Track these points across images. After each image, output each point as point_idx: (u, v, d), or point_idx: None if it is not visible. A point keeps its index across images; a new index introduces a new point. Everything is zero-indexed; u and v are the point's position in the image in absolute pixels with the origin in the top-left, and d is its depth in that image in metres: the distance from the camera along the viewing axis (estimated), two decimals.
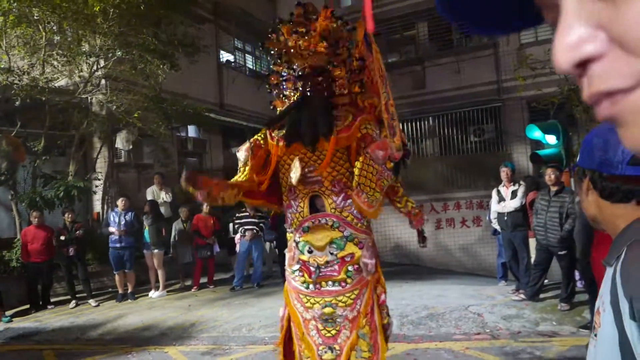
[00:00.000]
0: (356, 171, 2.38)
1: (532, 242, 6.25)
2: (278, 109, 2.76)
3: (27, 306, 7.41)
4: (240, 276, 8.12)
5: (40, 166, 8.68)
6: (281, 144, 2.53)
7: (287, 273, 2.61)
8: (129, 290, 7.86)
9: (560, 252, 5.42)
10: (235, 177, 2.59)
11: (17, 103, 7.70)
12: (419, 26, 12.84)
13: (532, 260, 6.13)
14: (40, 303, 7.49)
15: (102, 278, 8.78)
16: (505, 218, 6.28)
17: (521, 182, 6.51)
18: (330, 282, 2.45)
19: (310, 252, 2.47)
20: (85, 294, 7.72)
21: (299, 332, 2.53)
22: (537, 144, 8.90)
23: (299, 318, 2.53)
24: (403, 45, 13.42)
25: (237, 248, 8.28)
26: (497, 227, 6.63)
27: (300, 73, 2.58)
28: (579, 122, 9.28)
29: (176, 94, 9.81)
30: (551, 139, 7.28)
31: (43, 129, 8.47)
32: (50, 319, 6.87)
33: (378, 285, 2.59)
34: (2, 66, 7.43)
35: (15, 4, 7.18)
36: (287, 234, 2.68)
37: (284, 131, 2.53)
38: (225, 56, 13.45)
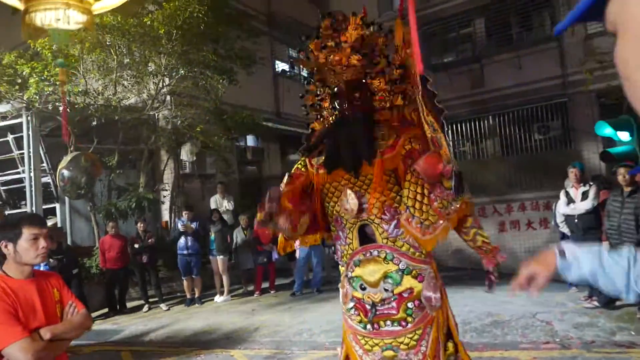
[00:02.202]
0: (404, 192, 2.14)
1: (605, 246, 5.87)
2: (316, 131, 2.51)
3: (106, 310, 7.99)
4: (300, 282, 8.28)
5: (115, 179, 9.37)
6: (321, 171, 2.30)
7: (343, 311, 2.36)
8: (196, 295, 8.25)
9: None
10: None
11: (94, 123, 8.36)
12: (476, 23, 12.46)
13: None
14: (117, 307, 8.05)
15: (172, 283, 9.28)
16: (576, 221, 5.96)
17: (591, 183, 6.14)
18: (388, 322, 2.17)
19: (363, 288, 2.20)
20: (157, 299, 8.20)
21: None
22: (609, 141, 8.33)
23: None
24: (460, 44, 13.08)
25: (297, 254, 8.44)
26: (565, 231, 6.29)
27: (335, 90, 2.34)
28: None
29: (235, 106, 10.20)
30: (624, 136, 6.80)
31: (116, 144, 9.14)
32: (126, 321, 7.37)
33: (444, 324, 2.25)
34: (80, 89, 8.10)
35: (90, 33, 7.82)
36: (340, 267, 2.41)
37: (323, 157, 2.30)
38: (280, 66, 13.81)
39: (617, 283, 1.19)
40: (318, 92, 2.46)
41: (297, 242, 8.79)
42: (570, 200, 6.05)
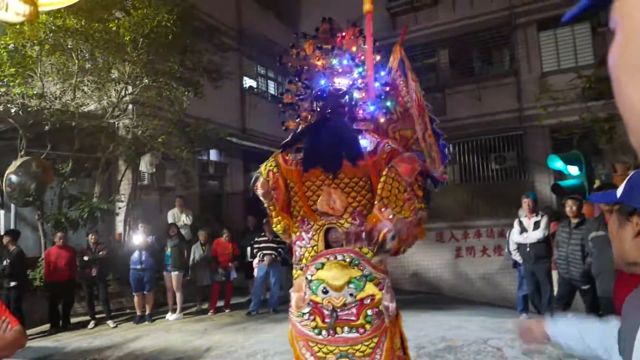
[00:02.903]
0: (379, 185, 2.12)
1: (555, 274, 6.09)
2: (290, 130, 2.52)
3: (48, 326, 7.53)
4: (257, 301, 8.11)
5: (67, 187, 8.96)
6: (299, 168, 2.28)
7: (292, 316, 2.31)
8: (147, 312, 7.92)
9: (583, 287, 5.27)
10: (274, 222, 2.39)
11: (48, 127, 8.01)
12: (440, 54, 12.97)
13: (555, 293, 5.96)
14: (61, 323, 7.60)
15: (121, 299, 8.88)
16: (528, 249, 6.17)
17: (543, 213, 6.40)
18: (346, 328, 2.14)
19: (325, 292, 2.16)
20: (104, 315, 7.81)
21: None
22: (560, 174, 8.77)
23: None
24: (424, 73, 13.52)
25: (255, 272, 8.30)
26: (517, 259, 6.50)
27: (320, 93, 2.35)
28: (604, 153, 9.13)
29: (200, 119, 10.06)
30: (573, 170, 7.17)
31: (71, 151, 8.77)
32: (70, 339, 6.96)
33: (397, 334, 2.28)
34: (35, 92, 7.76)
35: (51, 34, 7.55)
36: (294, 271, 2.37)
37: (301, 154, 2.28)
38: (248, 82, 13.78)
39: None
40: (299, 92, 2.45)
41: (256, 261, 8.57)
42: (523, 229, 6.27)
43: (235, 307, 8.60)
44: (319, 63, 2.33)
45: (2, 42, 7.27)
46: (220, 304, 8.49)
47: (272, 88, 14.58)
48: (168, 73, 8.68)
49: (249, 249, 8.67)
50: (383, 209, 2.09)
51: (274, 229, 2.41)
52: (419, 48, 12.92)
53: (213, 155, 12.43)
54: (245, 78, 13.54)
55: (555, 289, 6.01)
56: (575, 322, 1.28)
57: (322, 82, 2.34)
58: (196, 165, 11.41)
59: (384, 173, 2.15)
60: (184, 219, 9.51)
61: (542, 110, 9.09)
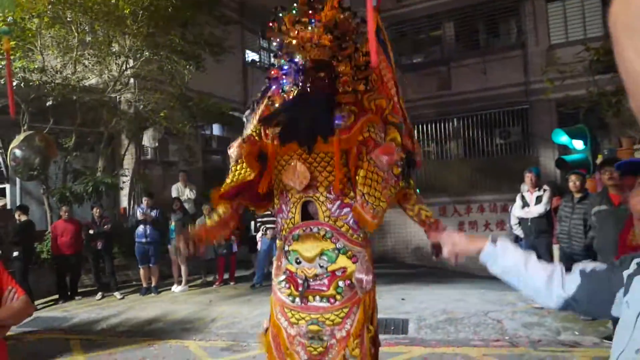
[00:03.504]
0: (360, 180, 2.16)
1: (556, 249, 6.13)
2: (276, 104, 2.51)
3: (56, 296, 7.69)
4: (261, 274, 8.23)
5: (71, 162, 9.00)
6: (275, 142, 2.30)
7: (273, 283, 2.39)
8: (153, 284, 8.06)
9: (584, 261, 5.30)
10: (228, 180, 2.39)
11: (50, 102, 7.97)
12: (446, 26, 12.70)
13: None
14: (69, 294, 7.76)
15: (127, 271, 9.03)
16: (529, 224, 6.17)
17: (546, 188, 6.38)
18: (317, 297, 2.22)
19: (298, 262, 2.24)
20: (111, 287, 7.96)
21: (283, 347, 2.31)
22: (565, 149, 8.70)
23: (283, 333, 2.31)
24: (429, 46, 13.30)
25: (259, 246, 8.39)
26: (519, 233, 6.52)
27: (301, 67, 2.35)
28: (610, 127, 9.03)
29: (202, 93, 9.99)
30: (578, 144, 7.11)
31: (74, 126, 8.77)
32: (78, 309, 7.11)
33: (372, 305, 2.33)
34: (36, 66, 7.71)
35: (49, 6, 7.44)
36: (278, 241, 2.45)
37: (279, 129, 2.30)
38: (250, 55, 13.61)
39: (536, 285, 1.23)
40: (284, 67, 2.46)
41: (259, 234, 8.61)
42: (525, 204, 6.27)
43: (239, 280, 8.74)
44: (299, 37, 2.31)
45: (0, 15, 7.17)
46: (225, 276, 8.62)
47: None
48: (169, 46, 8.58)
49: (252, 222, 8.73)
50: (365, 205, 2.14)
51: (227, 181, 2.40)
52: (423, 20, 12.67)
53: (216, 129, 12.40)
54: (247, 51, 13.37)
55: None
56: (519, 253, 1.30)
57: (301, 56, 2.34)
58: (199, 140, 11.40)
59: (364, 167, 2.17)
60: (188, 194, 9.56)
61: (548, 84, 8.92)
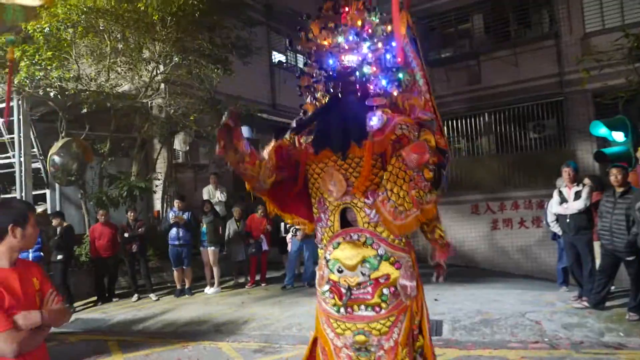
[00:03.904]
0: (385, 175, 2.09)
1: (596, 246, 5.88)
2: (309, 112, 2.50)
3: (95, 298, 7.93)
4: (292, 275, 8.25)
5: (106, 167, 9.26)
6: (310, 150, 2.27)
7: (317, 293, 2.34)
8: (187, 286, 8.20)
9: (628, 258, 5.06)
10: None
11: (85, 109, 8.23)
12: (474, 19, 12.41)
13: (597, 265, 5.76)
14: (106, 295, 7.99)
15: (162, 273, 9.22)
16: (568, 220, 5.93)
17: (585, 182, 6.12)
18: (362, 307, 2.15)
19: (340, 271, 2.18)
20: (146, 288, 8.15)
21: (330, 358, 2.26)
22: (604, 141, 8.34)
23: (330, 345, 2.25)
24: (457, 40, 13.02)
25: (289, 247, 8.41)
26: (556, 230, 6.29)
27: (331, 73, 2.32)
28: None
29: (230, 96, 10.10)
30: (618, 136, 6.80)
31: (109, 132, 9.03)
32: (115, 311, 7.31)
33: (418, 313, 2.26)
34: (72, 75, 7.97)
35: (83, 16, 7.68)
36: (318, 250, 2.39)
37: (312, 137, 2.28)
38: (277, 57, 13.68)
39: None
40: (314, 74, 2.43)
41: (289, 235, 8.68)
42: (563, 200, 6.03)
43: (270, 281, 8.78)
44: (326, 43, 2.28)
45: (38, 25, 7.45)
46: (256, 278, 8.69)
47: (301, 62, 14.43)
48: (197, 51, 8.72)
49: (282, 224, 8.77)
50: (385, 201, 2.07)
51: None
52: (452, 13, 12.41)
53: (245, 132, 12.46)
54: (274, 53, 13.44)
55: (598, 260, 5.80)
56: None
57: (331, 62, 2.30)
58: None
59: (392, 162, 2.10)
60: (219, 196, 9.69)
61: (584, 74, 8.55)
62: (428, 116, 2.29)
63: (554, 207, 6.21)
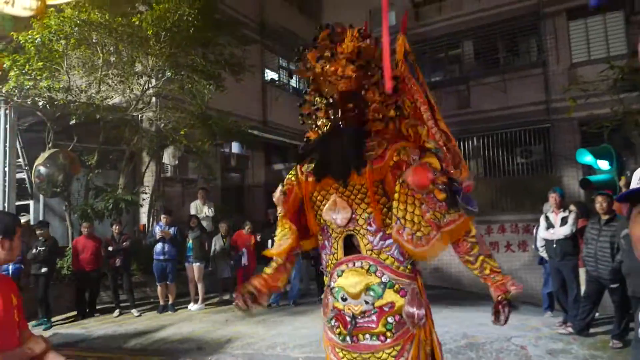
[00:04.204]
0: (394, 204, 2.09)
1: (582, 272, 5.92)
2: (312, 140, 2.50)
3: (75, 313, 7.74)
4: (278, 293, 8.14)
5: (93, 179, 9.15)
6: (310, 179, 2.29)
7: (324, 322, 2.32)
8: (170, 302, 8.05)
9: (612, 285, 5.10)
10: (278, 236, 2.36)
11: (74, 120, 8.17)
12: (465, 45, 12.69)
13: (582, 291, 5.79)
14: (87, 310, 7.80)
15: (145, 288, 9.05)
16: (554, 246, 5.99)
17: (572, 209, 6.20)
18: (367, 335, 2.11)
19: (344, 299, 2.16)
20: (128, 304, 7.98)
21: None
22: (589, 169, 8.49)
23: None
24: (447, 64, 13.28)
25: None
26: (544, 256, 6.34)
27: (330, 100, 2.34)
28: (636, 147, 8.80)
29: (222, 112, 10.11)
30: (603, 164, 6.93)
31: (97, 144, 8.95)
32: (95, 326, 7.14)
33: (427, 342, 2.20)
34: (61, 86, 7.92)
35: (76, 29, 7.68)
36: (325, 277, 2.37)
37: (313, 165, 2.29)
38: (269, 74, 13.79)
39: None
40: (314, 102, 2.44)
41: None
42: (549, 225, 6.10)
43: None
44: (324, 71, 2.28)
45: (30, 36, 7.42)
46: None
47: (293, 81, 14.55)
48: (190, 66, 8.75)
49: (270, 241, 8.69)
50: (401, 231, 2.03)
51: (268, 251, 2.41)
52: (443, 39, 12.68)
53: (235, 147, 12.51)
54: (266, 71, 13.55)
55: (583, 287, 5.84)
56: None
57: (329, 89, 2.32)
58: (218, 158, 11.51)
59: (397, 190, 2.09)
60: (206, 211, 9.61)
61: (571, 103, 8.76)
62: (432, 144, 2.28)
63: (541, 232, 6.26)
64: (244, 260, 8.43)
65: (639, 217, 0.88)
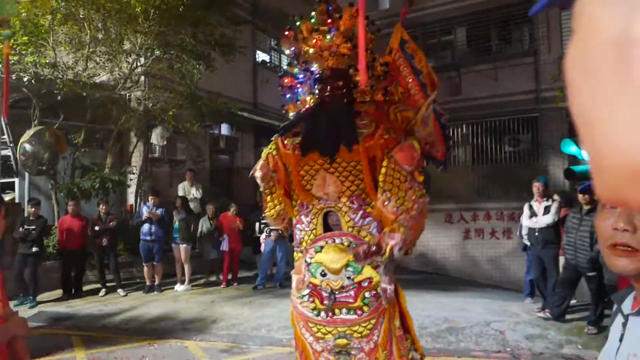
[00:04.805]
0: (381, 177, 2.14)
1: (562, 260, 6.05)
2: (290, 113, 2.51)
3: (60, 291, 7.74)
4: (264, 275, 8.22)
5: (79, 158, 9.05)
6: (296, 152, 2.29)
7: (293, 298, 2.33)
8: (156, 283, 8.09)
9: (589, 274, 5.23)
10: (269, 208, 2.41)
11: (60, 97, 8.04)
12: (457, 31, 12.63)
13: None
14: (73, 290, 7.80)
15: (131, 269, 9.06)
16: (536, 234, 6.11)
17: (555, 198, 6.31)
18: (344, 310, 2.18)
19: (323, 275, 2.18)
20: (114, 284, 8.00)
21: None
22: (574, 159, 8.60)
23: (309, 349, 2.27)
24: (439, 51, 13.22)
25: (262, 247, 8.38)
26: (528, 243, 6.46)
27: (318, 76, 2.34)
28: None
29: (211, 93, 10.01)
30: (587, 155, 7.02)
31: (84, 122, 8.84)
32: (81, 305, 7.16)
33: (396, 315, 2.29)
34: (47, 61, 7.77)
35: (62, 3, 7.51)
36: (295, 254, 2.40)
37: (299, 139, 2.28)
38: (261, 56, 13.63)
39: None
40: (299, 75, 2.44)
41: (263, 236, 8.64)
42: (532, 214, 6.20)
43: (242, 281, 8.74)
44: (317, 45, 2.29)
45: (14, 10, 7.23)
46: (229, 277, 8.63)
47: (285, 62, 14.42)
48: (179, 45, 8.62)
49: (257, 224, 8.74)
50: (386, 202, 2.11)
51: (267, 214, 2.43)
52: (435, 24, 12.60)
53: (224, 129, 12.42)
54: (258, 52, 13.39)
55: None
56: None
57: (319, 64, 2.32)
58: (207, 139, 11.43)
59: (384, 164, 2.15)
60: (194, 193, 9.59)
61: (558, 93, 8.82)
62: (425, 131, 2.34)
63: (524, 220, 6.37)
64: (224, 246, 8.43)
65: (602, 210, 0.91)
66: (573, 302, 6.01)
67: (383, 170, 2.15)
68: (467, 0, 12.23)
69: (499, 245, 10.80)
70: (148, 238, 7.93)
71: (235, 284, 8.56)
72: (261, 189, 2.42)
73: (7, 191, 8.91)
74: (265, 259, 8.29)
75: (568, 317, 5.75)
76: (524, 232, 6.50)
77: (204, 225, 8.56)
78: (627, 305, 0.91)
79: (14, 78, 7.66)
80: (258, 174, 2.33)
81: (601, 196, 0.31)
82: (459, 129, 12.13)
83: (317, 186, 2.24)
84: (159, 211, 8.00)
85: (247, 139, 12.84)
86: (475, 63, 12.14)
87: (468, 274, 10.58)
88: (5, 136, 8.63)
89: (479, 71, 11.88)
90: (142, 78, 9.21)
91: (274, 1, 12.93)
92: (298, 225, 2.35)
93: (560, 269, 6.08)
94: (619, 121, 0.27)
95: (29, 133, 8.10)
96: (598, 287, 5.24)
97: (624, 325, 0.89)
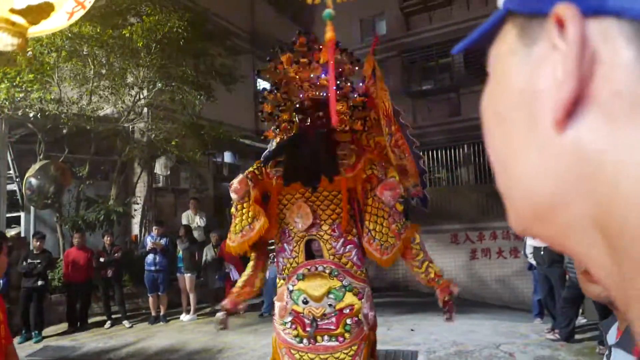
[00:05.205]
0: (366, 217, 2.21)
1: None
2: (273, 141, 2.57)
3: (66, 325, 7.70)
4: (269, 302, 8.13)
5: (84, 190, 9.15)
6: (279, 181, 2.33)
7: (276, 324, 2.37)
8: (162, 313, 8.04)
9: None
10: (234, 224, 2.32)
11: (65, 131, 8.19)
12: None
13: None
14: (78, 323, 7.76)
15: (137, 299, 9.02)
16: (542, 253, 6.05)
17: None
18: (326, 337, 2.21)
19: (305, 302, 2.22)
20: (120, 315, 7.96)
21: None
22: None
23: None
24: (438, 73, 13.41)
25: (267, 274, 8.32)
26: (533, 262, 6.40)
27: (298, 106, 2.38)
28: None
29: (213, 121, 10.16)
30: None
31: (88, 154, 8.96)
32: (86, 338, 7.11)
33: (374, 341, 2.35)
34: (53, 97, 7.95)
35: (67, 41, 7.72)
36: (278, 280, 2.42)
37: (282, 168, 2.33)
38: (262, 84, 13.84)
39: None
40: (280, 104, 2.50)
41: (267, 262, 8.59)
42: None
43: (248, 309, 8.64)
44: (297, 76, 2.36)
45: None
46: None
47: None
48: (181, 77, 8.80)
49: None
50: (371, 241, 2.18)
51: (230, 247, 2.38)
52: (433, 48, 12.82)
53: (227, 157, 12.54)
54: (258, 80, 13.62)
55: None
56: None
57: (301, 95, 2.38)
58: (210, 168, 11.53)
59: (369, 203, 2.21)
60: (198, 221, 9.62)
61: None
62: (393, 158, 2.37)
63: (529, 239, 6.33)
64: (234, 275, 8.40)
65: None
66: (583, 321, 5.92)
67: (368, 209, 2.22)
68: (464, 23, 12.46)
69: (506, 265, 10.69)
70: (152, 268, 7.92)
71: (241, 311, 8.47)
72: (233, 208, 2.40)
73: (12, 225, 8.98)
74: (271, 285, 8.20)
75: (578, 337, 5.66)
76: (529, 250, 6.45)
77: (208, 253, 8.54)
78: (611, 335, 0.92)
79: (20, 114, 7.84)
80: (234, 186, 2.30)
81: (515, 230, 0.34)
82: (461, 150, 12.20)
83: (290, 214, 2.29)
84: (163, 241, 8.02)
85: (249, 166, 12.82)
86: (473, 84, 12.27)
87: (476, 294, 10.44)
88: (11, 171, 8.76)
89: (478, 91, 11.70)
90: (145, 110, 9.37)
91: (273, 30, 13.22)
92: (281, 253, 2.37)
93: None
94: (526, 166, 0.30)
95: (35, 167, 8.23)
96: (604, 306, 5.16)
97: (608, 357, 0.90)
